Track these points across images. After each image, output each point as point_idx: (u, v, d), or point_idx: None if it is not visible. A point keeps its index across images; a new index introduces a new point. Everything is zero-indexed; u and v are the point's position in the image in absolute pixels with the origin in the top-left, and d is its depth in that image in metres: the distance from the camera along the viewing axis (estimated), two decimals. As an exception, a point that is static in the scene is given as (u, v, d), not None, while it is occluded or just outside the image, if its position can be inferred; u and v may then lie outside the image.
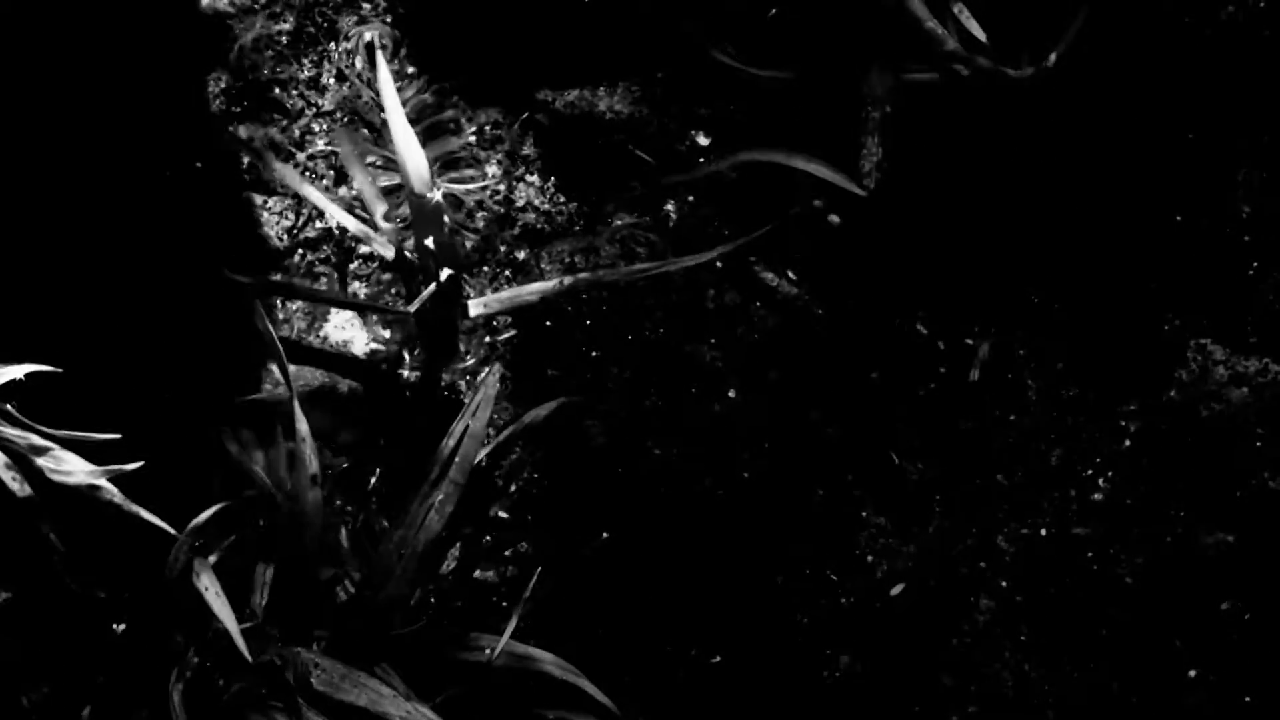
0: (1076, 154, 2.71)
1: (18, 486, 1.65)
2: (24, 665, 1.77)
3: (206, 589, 1.84)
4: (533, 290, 2.13)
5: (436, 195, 2.07)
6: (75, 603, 1.86)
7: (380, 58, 2.04)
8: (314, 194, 2.24)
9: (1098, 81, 2.68)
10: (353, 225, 2.21)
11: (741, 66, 2.63)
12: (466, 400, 2.44)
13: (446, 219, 2.12)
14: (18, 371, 1.70)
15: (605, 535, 2.49)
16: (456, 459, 2.03)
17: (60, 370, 1.75)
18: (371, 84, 2.48)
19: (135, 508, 1.75)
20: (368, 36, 2.52)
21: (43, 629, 1.82)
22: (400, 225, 2.46)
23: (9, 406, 1.71)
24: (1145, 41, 2.66)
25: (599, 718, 2.17)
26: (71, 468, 1.68)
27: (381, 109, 2.55)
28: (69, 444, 1.75)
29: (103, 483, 1.71)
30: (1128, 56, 2.67)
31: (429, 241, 2.07)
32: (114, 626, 1.86)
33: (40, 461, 1.66)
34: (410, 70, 2.63)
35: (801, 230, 2.68)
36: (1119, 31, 2.66)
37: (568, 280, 2.12)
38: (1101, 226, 2.70)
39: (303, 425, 2.05)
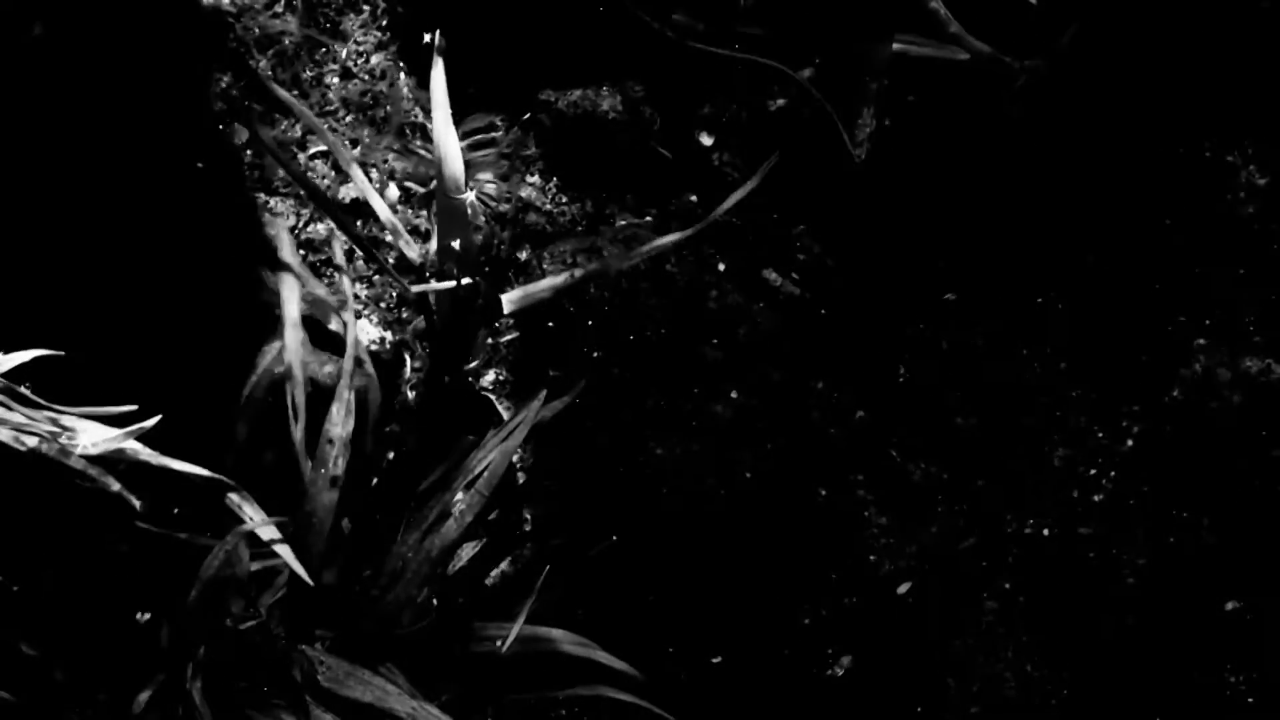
0: (1079, 148, 2.71)
1: (45, 446, 1.64)
2: (42, 653, 1.77)
3: (241, 508, 1.84)
4: (544, 286, 2.15)
5: (470, 195, 2.07)
6: (99, 584, 1.85)
7: (438, 59, 2.03)
8: (360, 178, 2.24)
9: (1100, 75, 2.69)
10: (386, 215, 2.22)
11: (742, 56, 2.63)
12: (503, 413, 2.45)
13: (472, 220, 2.12)
14: (26, 356, 1.70)
15: (614, 538, 2.49)
16: (486, 473, 2.03)
17: (63, 354, 1.75)
18: (390, 80, 2.48)
19: (167, 460, 1.72)
20: (427, 38, 2.54)
21: (61, 616, 1.82)
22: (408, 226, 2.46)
23: (24, 389, 1.71)
24: (1148, 37, 2.67)
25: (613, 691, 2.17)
26: (95, 436, 1.67)
27: (386, 106, 2.55)
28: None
29: (129, 443, 1.69)
30: (1130, 51, 2.68)
31: (455, 243, 2.07)
32: (138, 616, 1.86)
33: (63, 439, 1.66)
34: (408, 74, 2.64)
35: (799, 218, 2.69)
36: (1122, 26, 2.67)
37: (578, 273, 2.13)
38: (1104, 224, 2.71)
39: (336, 428, 2.04)
